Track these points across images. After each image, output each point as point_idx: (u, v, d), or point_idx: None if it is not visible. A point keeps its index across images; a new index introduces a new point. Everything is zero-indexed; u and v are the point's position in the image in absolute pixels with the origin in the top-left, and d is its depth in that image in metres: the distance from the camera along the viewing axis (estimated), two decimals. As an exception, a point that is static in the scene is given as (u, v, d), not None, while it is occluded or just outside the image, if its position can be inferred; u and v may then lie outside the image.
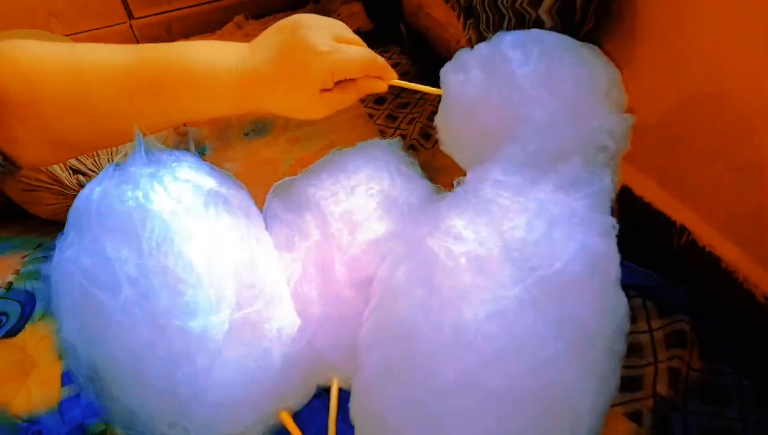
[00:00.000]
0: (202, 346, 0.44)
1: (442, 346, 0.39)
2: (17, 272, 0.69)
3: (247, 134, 0.95)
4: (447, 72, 0.55)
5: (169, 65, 0.50)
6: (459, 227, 0.43)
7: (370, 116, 1.01)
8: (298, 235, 0.52)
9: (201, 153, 0.94)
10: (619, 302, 0.42)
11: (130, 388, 0.44)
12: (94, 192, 0.44)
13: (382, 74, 0.55)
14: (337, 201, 0.52)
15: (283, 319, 0.48)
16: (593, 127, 0.49)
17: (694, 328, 0.64)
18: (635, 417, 0.60)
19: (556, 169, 0.43)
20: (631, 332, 0.66)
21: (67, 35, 1.25)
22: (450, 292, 0.41)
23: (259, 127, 0.96)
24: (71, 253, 0.43)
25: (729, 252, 0.67)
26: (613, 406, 0.61)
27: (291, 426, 0.49)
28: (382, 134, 1.00)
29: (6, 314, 0.65)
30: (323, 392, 0.51)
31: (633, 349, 0.65)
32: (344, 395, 0.51)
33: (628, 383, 0.62)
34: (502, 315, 0.39)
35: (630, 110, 0.52)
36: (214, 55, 0.51)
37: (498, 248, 0.41)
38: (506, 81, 0.49)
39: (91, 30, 1.34)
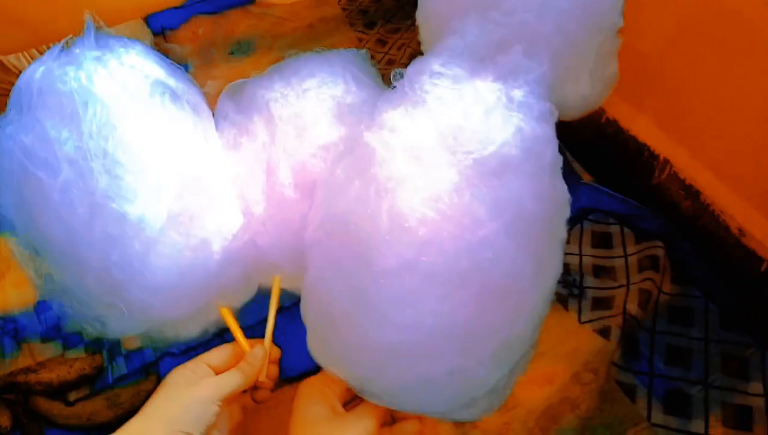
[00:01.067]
0: (139, 232, 0.45)
1: (380, 233, 0.40)
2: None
3: (232, 53, 0.96)
4: None
5: None
6: (395, 119, 0.43)
7: (360, 40, 1.00)
8: (245, 136, 0.52)
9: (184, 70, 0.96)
10: (556, 187, 0.42)
11: (68, 267, 0.45)
12: (36, 71, 0.45)
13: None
14: (286, 103, 0.52)
15: (225, 216, 0.49)
16: None
17: (668, 255, 0.64)
18: (604, 333, 0.62)
19: (495, 60, 0.42)
20: (607, 257, 0.67)
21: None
22: (386, 182, 0.41)
23: (243, 45, 0.97)
24: (11, 131, 0.44)
25: (708, 185, 0.67)
26: (584, 323, 0.63)
27: (230, 322, 0.50)
28: (372, 58, 1.00)
29: (-20, 217, 0.67)
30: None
31: (607, 272, 0.68)
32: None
33: (600, 303, 0.66)
34: (437, 199, 0.40)
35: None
36: None
37: (433, 136, 0.41)
38: None
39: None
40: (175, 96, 0.50)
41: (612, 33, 0.49)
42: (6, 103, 0.72)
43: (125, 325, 0.47)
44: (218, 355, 0.49)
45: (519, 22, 0.46)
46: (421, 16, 0.55)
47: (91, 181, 0.44)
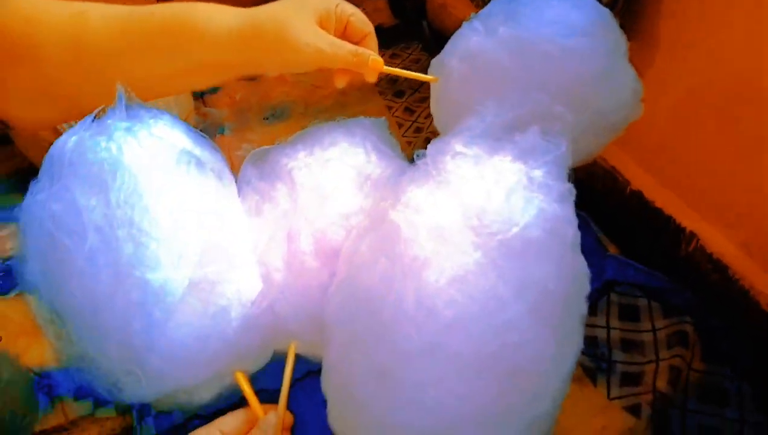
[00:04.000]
0: (160, 299, 0.47)
1: (405, 314, 0.42)
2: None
3: (267, 118, 1.04)
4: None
5: (172, 18, 0.53)
6: (419, 199, 0.46)
7: (389, 108, 1.09)
8: (268, 203, 0.55)
9: (220, 133, 1.02)
10: (577, 265, 0.44)
11: (88, 333, 0.48)
12: (69, 141, 0.48)
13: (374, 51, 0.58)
14: (309, 172, 0.55)
15: (245, 282, 0.51)
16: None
17: (697, 330, 0.66)
18: (634, 410, 0.63)
19: (513, 140, 0.45)
20: (635, 330, 0.69)
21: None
22: (412, 261, 0.43)
23: (278, 111, 1.04)
24: (41, 198, 0.47)
25: (736, 259, 0.68)
26: (612, 399, 0.64)
27: (245, 387, 0.52)
28: (400, 127, 1.06)
29: (23, 272, 0.71)
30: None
31: (635, 346, 0.69)
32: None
33: (629, 378, 0.67)
34: (463, 280, 0.42)
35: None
36: (218, 9, 0.55)
37: (457, 216, 0.44)
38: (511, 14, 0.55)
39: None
40: (200, 164, 0.53)
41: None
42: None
43: (141, 392, 0.49)
44: (232, 420, 0.50)
45: (533, 101, 0.49)
46: (435, 103, 0.59)
47: (117, 249, 0.47)
